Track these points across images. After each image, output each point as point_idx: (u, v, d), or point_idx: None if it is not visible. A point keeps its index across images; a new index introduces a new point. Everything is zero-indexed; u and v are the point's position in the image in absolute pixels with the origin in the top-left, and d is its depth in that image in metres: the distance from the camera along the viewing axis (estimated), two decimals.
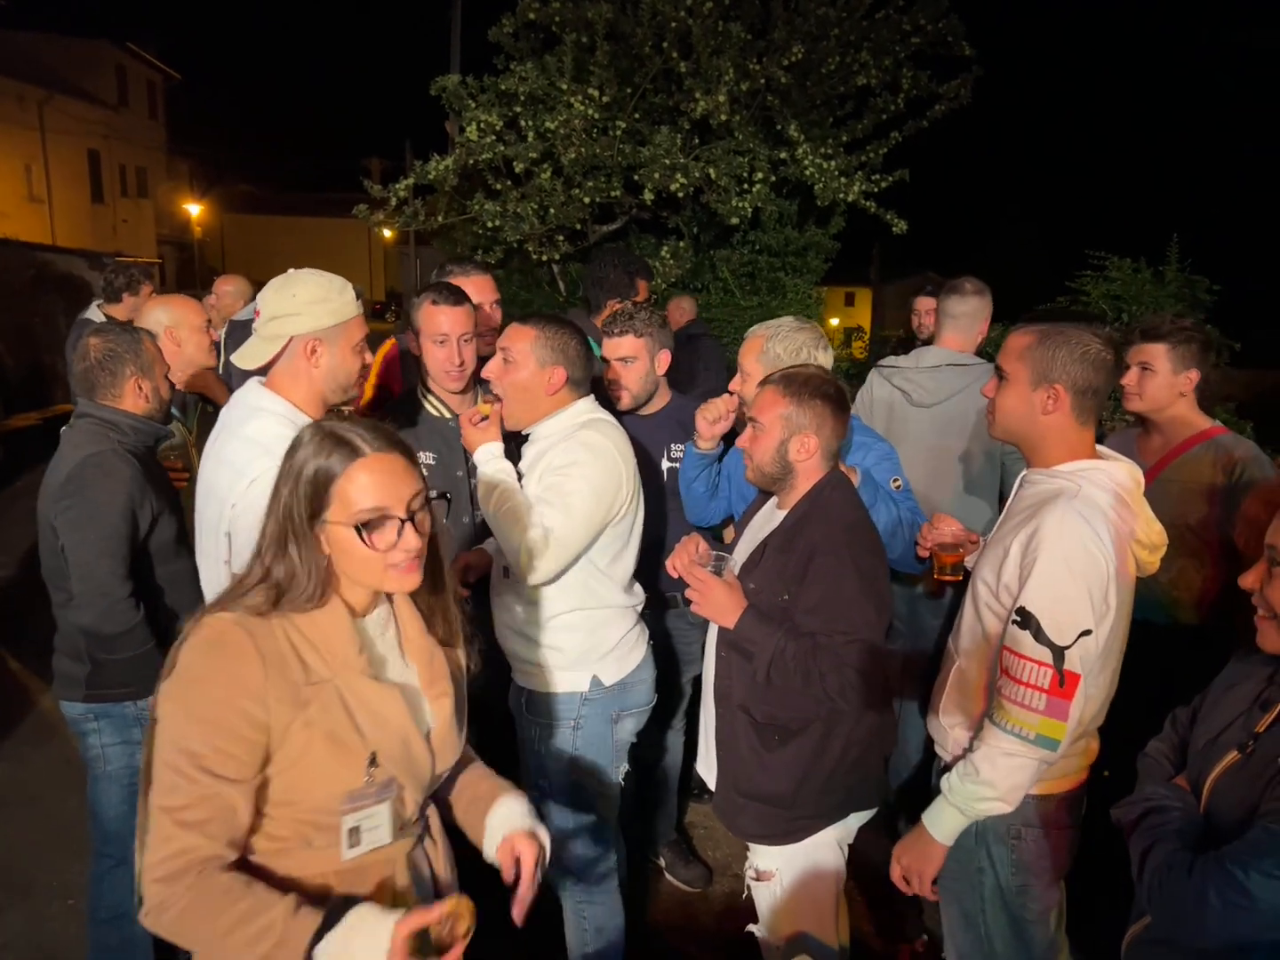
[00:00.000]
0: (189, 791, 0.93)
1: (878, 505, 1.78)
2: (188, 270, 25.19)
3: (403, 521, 1.00)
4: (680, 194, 4.97)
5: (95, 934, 1.90)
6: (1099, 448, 1.45)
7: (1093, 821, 1.48)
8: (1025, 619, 1.31)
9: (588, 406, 1.75)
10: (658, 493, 2.13)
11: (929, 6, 5.26)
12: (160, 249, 23.41)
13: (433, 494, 1.10)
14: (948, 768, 1.50)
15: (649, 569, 1.93)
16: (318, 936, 0.90)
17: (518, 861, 1.10)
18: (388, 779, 1.03)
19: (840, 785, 1.55)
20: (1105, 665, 1.38)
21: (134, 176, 22.71)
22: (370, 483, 0.98)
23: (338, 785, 0.99)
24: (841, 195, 4.90)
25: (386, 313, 26.41)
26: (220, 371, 2.95)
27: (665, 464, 2.19)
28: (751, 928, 1.70)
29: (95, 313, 3.69)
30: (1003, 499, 2.41)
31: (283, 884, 0.98)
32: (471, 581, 1.76)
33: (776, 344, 1.88)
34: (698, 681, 1.91)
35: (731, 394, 1.98)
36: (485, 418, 1.74)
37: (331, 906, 0.93)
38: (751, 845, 1.65)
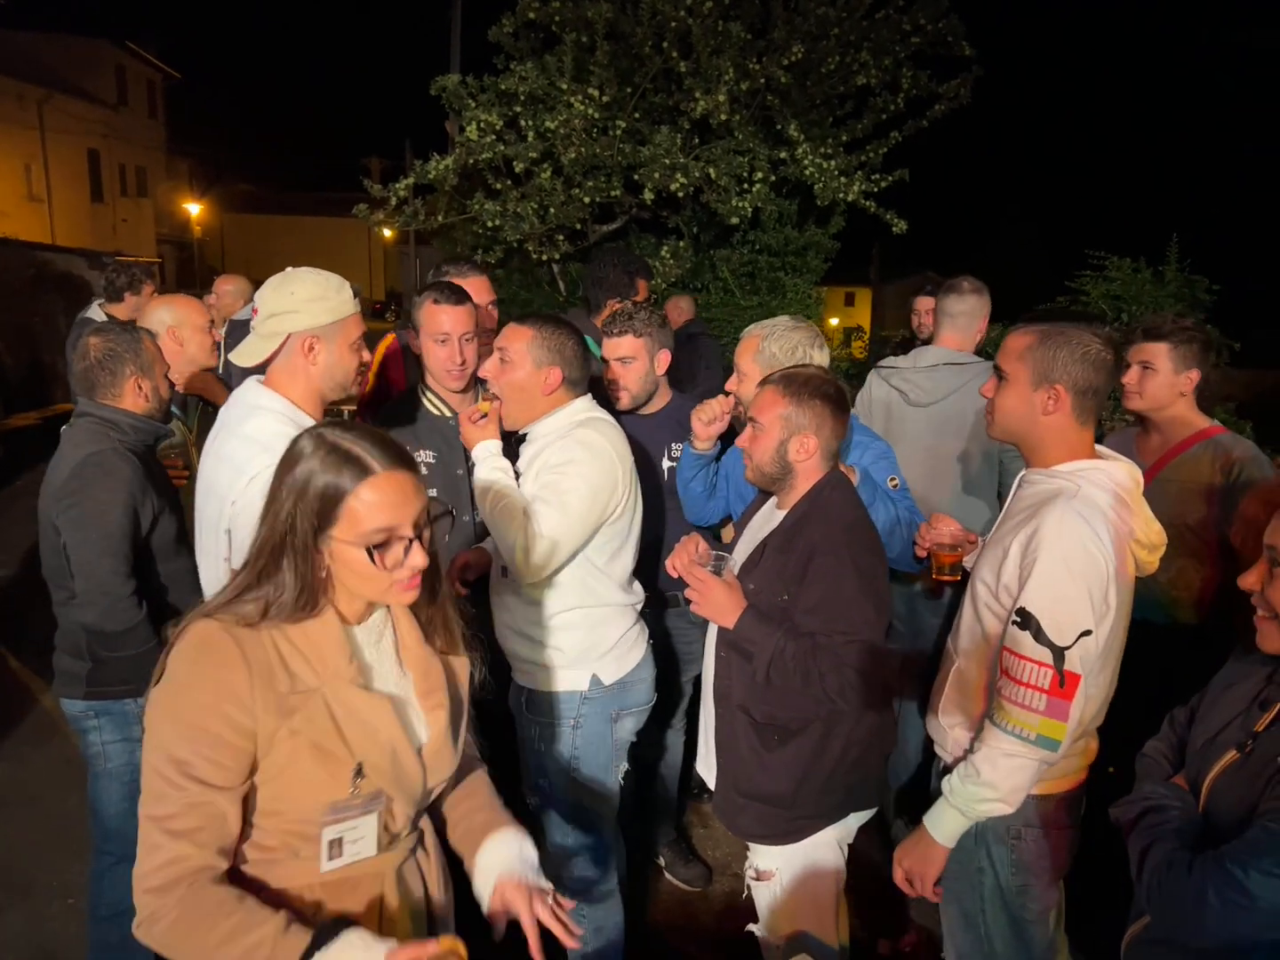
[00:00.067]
0: (177, 799, 0.92)
1: (876, 504, 1.78)
2: (187, 270, 25.20)
3: (410, 540, 0.99)
4: (680, 194, 4.97)
5: (95, 932, 1.90)
6: (1098, 447, 1.45)
7: (1092, 821, 1.48)
8: (1025, 619, 1.31)
9: (585, 406, 1.75)
10: (657, 492, 2.13)
11: (929, 6, 5.26)
12: (160, 248, 23.40)
13: (437, 509, 1.07)
14: (948, 768, 1.50)
15: (649, 568, 1.93)
16: (307, 955, 0.90)
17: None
18: (375, 791, 1.01)
19: (840, 785, 1.55)
20: (1105, 665, 1.38)
21: (134, 176, 22.71)
22: (380, 502, 0.97)
23: (322, 796, 0.98)
24: (841, 195, 4.90)
25: (386, 312, 26.42)
26: (220, 370, 2.96)
27: (666, 463, 2.19)
28: (751, 927, 1.70)
29: (96, 312, 3.69)
30: (1001, 498, 2.41)
31: (271, 894, 0.97)
32: (470, 580, 1.76)
33: (772, 343, 1.88)
34: (698, 681, 1.91)
35: (728, 394, 1.98)
36: (484, 415, 1.75)
37: (322, 927, 0.93)
38: (751, 845, 1.65)
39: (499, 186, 5.20)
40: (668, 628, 2.25)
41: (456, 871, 1.18)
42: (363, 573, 0.98)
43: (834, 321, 15.88)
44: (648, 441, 2.13)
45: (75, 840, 2.53)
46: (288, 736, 0.96)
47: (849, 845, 1.65)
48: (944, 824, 1.41)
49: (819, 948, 1.59)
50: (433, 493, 1.89)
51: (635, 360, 2.07)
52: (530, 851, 1.11)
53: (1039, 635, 1.29)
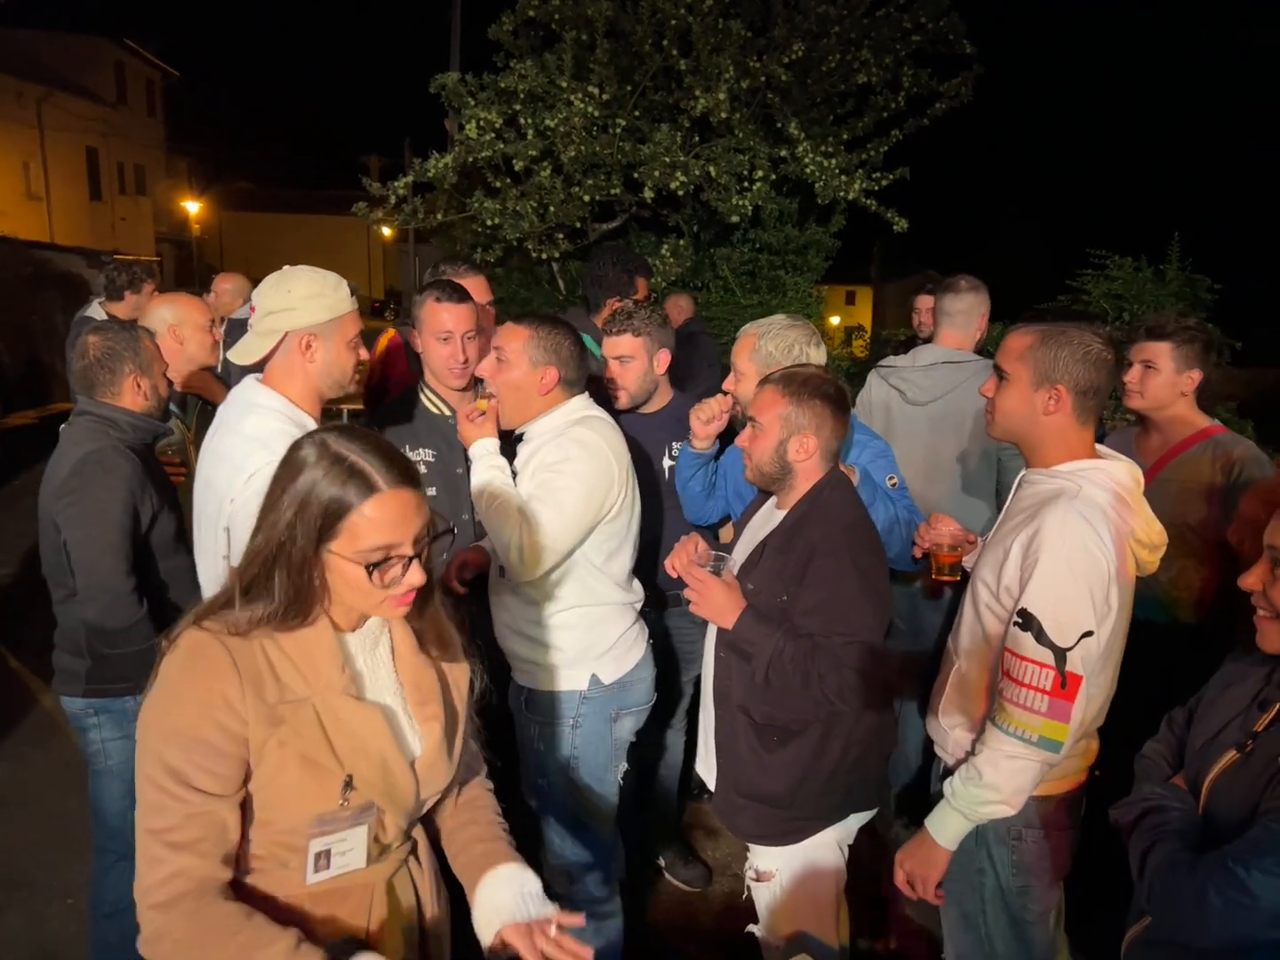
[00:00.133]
0: (177, 811, 0.91)
1: (876, 504, 1.78)
2: (186, 268, 25.17)
3: (409, 559, 0.97)
4: (680, 192, 4.96)
5: (97, 930, 1.91)
6: (1098, 447, 1.45)
7: (1092, 822, 1.48)
8: (1027, 621, 1.31)
9: (581, 404, 1.75)
10: (658, 491, 2.13)
11: (930, 4, 5.25)
12: (159, 247, 23.38)
13: (440, 526, 1.05)
14: (948, 770, 1.50)
15: (649, 567, 1.93)
16: None
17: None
18: (365, 803, 0.99)
19: (840, 786, 1.54)
20: (1105, 665, 1.38)
21: (132, 174, 22.68)
22: (383, 520, 0.95)
23: (310, 808, 0.97)
24: (842, 193, 4.89)
25: (385, 310, 26.41)
26: (219, 369, 2.96)
27: (666, 462, 2.19)
28: (751, 928, 1.70)
29: (97, 310, 3.69)
30: (999, 496, 2.42)
31: (259, 904, 0.96)
32: (468, 579, 1.76)
33: (768, 342, 1.88)
34: (699, 681, 1.91)
35: (726, 393, 1.98)
36: (482, 414, 1.75)
37: (332, 946, 0.92)
38: (751, 845, 1.65)
39: (498, 185, 5.19)
40: (668, 627, 2.24)
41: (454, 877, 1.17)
42: (357, 588, 0.97)
43: (835, 320, 15.87)
44: (648, 440, 2.13)
45: (75, 840, 2.52)
46: (276, 747, 0.94)
47: (849, 845, 1.64)
48: (946, 826, 1.40)
49: (819, 948, 1.59)
50: (432, 491, 1.89)
51: (633, 359, 2.07)
52: (532, 885, 1.07)
53: (1040, 636, 1.29)
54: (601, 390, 2.09)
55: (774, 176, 5.04)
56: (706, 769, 1.72)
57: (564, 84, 4.78)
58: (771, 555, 1.55)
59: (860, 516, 1.57)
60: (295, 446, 0.99)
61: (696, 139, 5.12)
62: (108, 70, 21.51)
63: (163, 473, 1.96)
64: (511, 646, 1.77)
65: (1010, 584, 1.36)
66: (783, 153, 5.00)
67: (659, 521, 2.14)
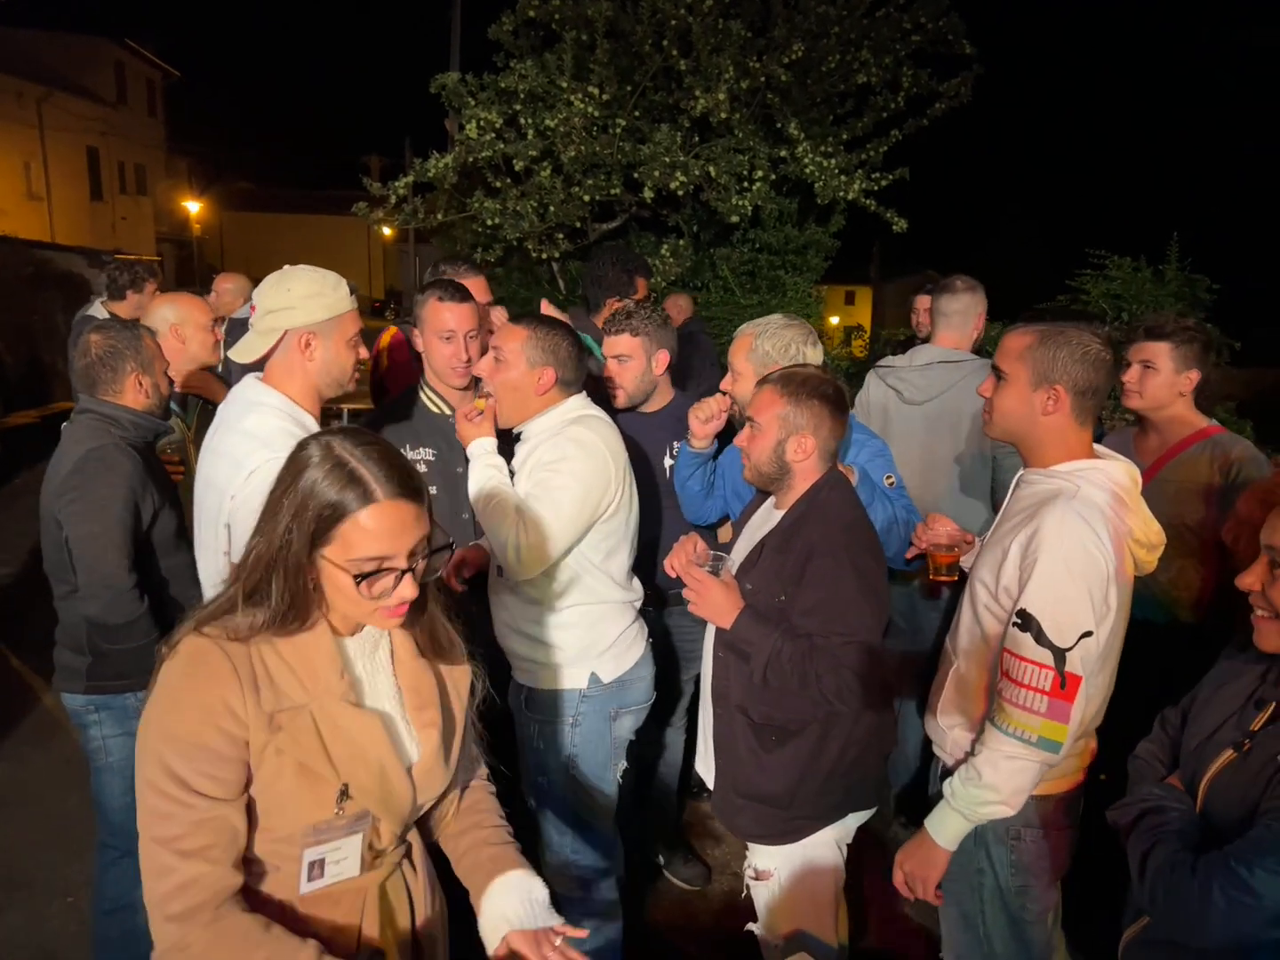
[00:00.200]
0: (184, 818, 0.90)
1: (874, 504, 1.78)
2: (187, 268, 25.18)
3: (403, 572, 0.96)
4: (680, 192, 4.96)
5: (98, 926, 1.91)
6: (1096, 447, 1.45)
7: (1089, 822, 1.48)
8: (1026, 621, 1.31)
9: (578, 404, 1.75)
10: (659, 490, 2.14)
11: (929, 5, 5.25)
12: (159, 246, 23.38)
13: (439, 541, 1.04)
14: (947, 770, 1.50)
15: (649, 566, 1.93)
16: None
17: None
18: (361, 812, 0.99)
19: (838, 786, 1.55)
20: (1104, 665, 1.38)
21: (133, 174, 22.68)
22: (377, 530, 0.93)
23: (305, 816, 0.96)
24: (841, 193, 4.89)
25: (386, 310, 26.41)
26: (220, 368, 2.97)
27: (667, 461, 2.19)
28: (751, 926, 1.70)
29: (99, 309, 3.70)
30: (994, 494, 2.42)
31: (251, 906, 0.95)
32: (467, 577, 1.77)
33: (765, 341, 1.88)
34: (699, 679, 1.91)
35: (724, 393, 1.99)
36: (480, 413, 1.75)
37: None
38: (750, 844, 1.65)
39: (499, 185, 5.19)
40: (668, 625, 2.25)
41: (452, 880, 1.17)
42: (347, 596, 0.96)
43: (834, 320, 15.88)
44: (650, 440, 2.13)
45: (75, 839, 2.53)
46: (274, 754, 0.94)
47: (848, 845, 1.64)
48: (946, 827, 1.40)
49: (818, 946, 1.59)
50: (432, 490, 1.90)
51: (631, 359, 2.08)
52: (539, 892, 1.08)
53: (1040, 637, 1.29)
54: (602, 390, 2.10)
55: (774, 176, 5.04)
56: (706, 768, 1.72)
57: (564, 84, 4.78)
58: (770, 555, 1.55)
59: (858, 516, 1.57)
60: (301, 446, 0.98)
61: (696, 139, 5.11)
62: (108, 70, 21.51)
63: (164, 471, 1.98)
64: (511, 645, 1.78)
65: (1009, 584, 1.36)
66: (782, 153, 5.00)
67: (658, 520, 2.14)
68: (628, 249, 4.18)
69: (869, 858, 2.18)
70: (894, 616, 2.45)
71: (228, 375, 2.89)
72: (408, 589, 0.96)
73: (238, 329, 3.65)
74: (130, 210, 22.25)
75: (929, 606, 2.41)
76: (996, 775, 1.33)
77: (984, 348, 2.71)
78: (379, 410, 2.27)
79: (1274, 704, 1.10)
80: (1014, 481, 1.51)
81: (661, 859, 2.48)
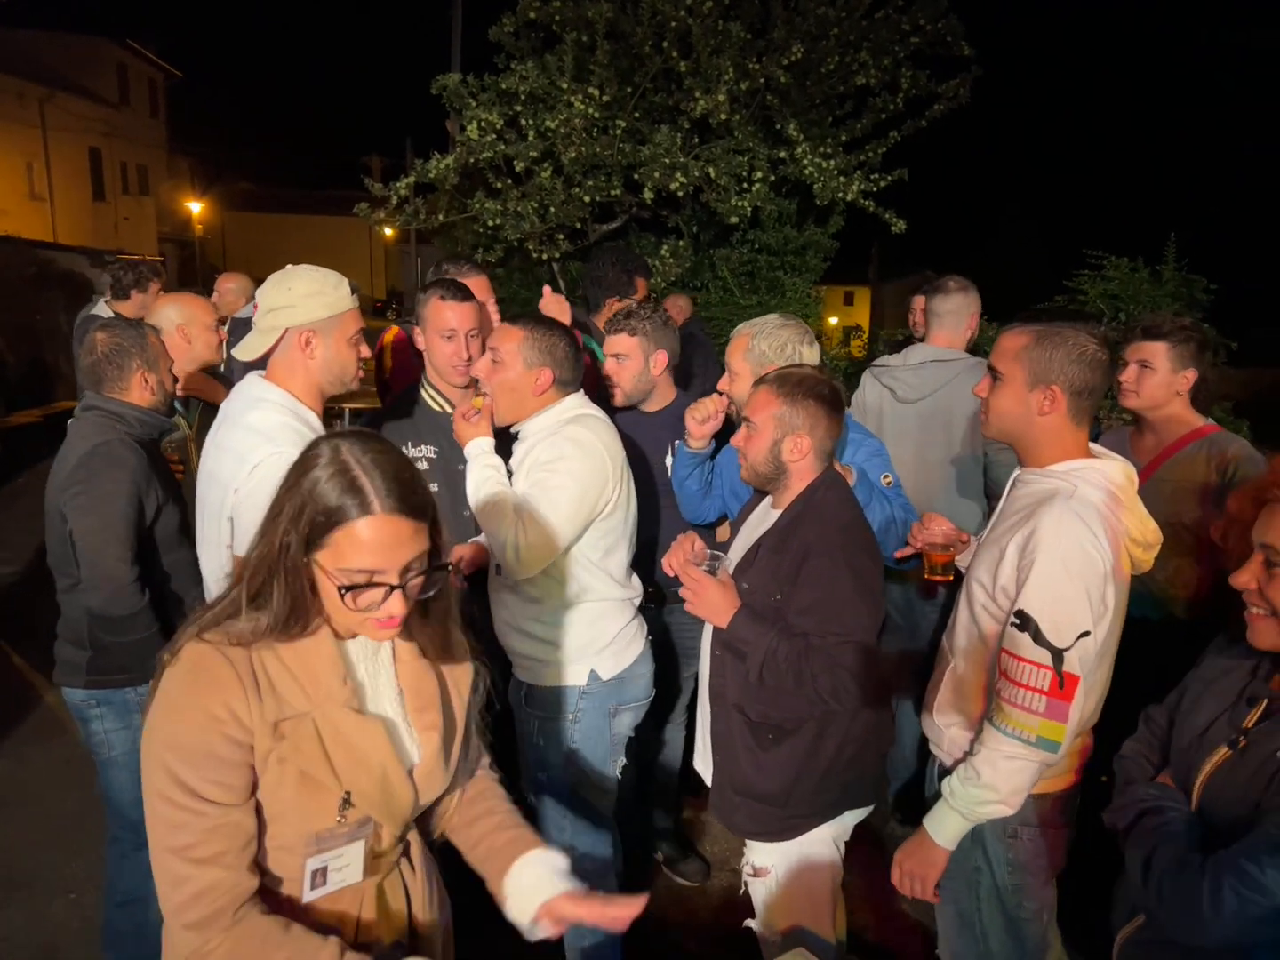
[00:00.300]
0: (196, 826, 0.89)
1: (872, 504, 1.79)
2: (189, 268, 25.20)
3: (392, 588, 0.93)
4: (680, 193, 4.96)
5: (110, 918, 1.92)
6: (1092, 446, 1.45)
7: (1085, 819, 1.49)
8: (1024, 621, 1.31)
9: (575, 403, 1.76)
10: (659, 489, 2.15)
11: (928, 6, 5.25)
12: (161, 247, 23.40)
13: (439, 560, 1.00)
14: (944, 768, 1.51)
15: (649, 563, 1.94)
16: None
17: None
18: (363, 819, 0.99)
19: (835, 783, 1.55)
20: (1100, 664, 1.39)
21: (135, 174, 22.70)
22: (370, 543, 0.91)
23: (307, 825, 0.96)
24: (840, 194, 4.90)
25: (387, 310, 26.42)
26: (222, 368, 2.98)
27: (669, 460, 2.20)
28: (749, 923, 1.71)
29: (103, 309, 3.71)
30: (987, 489, 2.44)
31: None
32: (466, 574, 1.78)
33: (761, 341, 1.89)
34: (699, 677, 1.92)
35: (721, 393, 2.00)
36: (478, 412, 1.76)
37: (380, 956, 0.91)
38: (747, 841, 1.66)
39: (499, 185, 5.20)
40: (668, 623, 2.26)
41: (461, 862, 1.17)
42: (334, 604, 0.95)
43: (833, 320, 15.88)
44: (651, 439, 2.14)
45: (76, 837, 2.54)
46: (276, 762, 0.94)
47: (845, 842, 1.65)
48: (945, 827, 1.41)
49: (815, 943, 1.60)
50: (434, 487, 1.91)
51: (629, 358, 2.09)
52: (562, 863, 1.08)
53: (1038, 637, 1.29)
54: (602, 389, 2.11)
55: (773, 177, 5.04)
56: (704, 765, 1.73)
57: (564, 85, 4.79)
58: (766, 555, 1.55)
59: (855, 516, 1.58)
60: (312, 445, 0.97)
61: (696, 140, 5.12)
62: (110, 71, 21.54)
63: (168, 468, 2.00)
64: (511, 643, 1.79)
65: (1006, 584, 1.37)
66: (782, 154, 5.01)
67: (658, 519, 2.15)
68: (628, 249, 4.19)
69: (866, 854, 2.18)
70: (892, 612, 2.47)
71: (230, 374, 2.91)
72: (396, 605, 0.94)
73: (240, 328, 3.67)
74: (133, 210, 22.27)
75: (926, 604, 2.42)
76: (995, 775, 1.33)
77: (981, 348, 2.73)
78: (381, 409, 2.28)
79: (1266, 700, 1.10)
80: (1010, 481, 1.51)
81: (661, 855, 2.49)
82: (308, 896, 0.97)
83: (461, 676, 1.11)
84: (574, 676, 1.75)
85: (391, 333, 2.56)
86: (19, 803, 2.76)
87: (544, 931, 1.04)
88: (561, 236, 5.42)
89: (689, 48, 4.97)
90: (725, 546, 1.75)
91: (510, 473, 1.75)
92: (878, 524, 1.76)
